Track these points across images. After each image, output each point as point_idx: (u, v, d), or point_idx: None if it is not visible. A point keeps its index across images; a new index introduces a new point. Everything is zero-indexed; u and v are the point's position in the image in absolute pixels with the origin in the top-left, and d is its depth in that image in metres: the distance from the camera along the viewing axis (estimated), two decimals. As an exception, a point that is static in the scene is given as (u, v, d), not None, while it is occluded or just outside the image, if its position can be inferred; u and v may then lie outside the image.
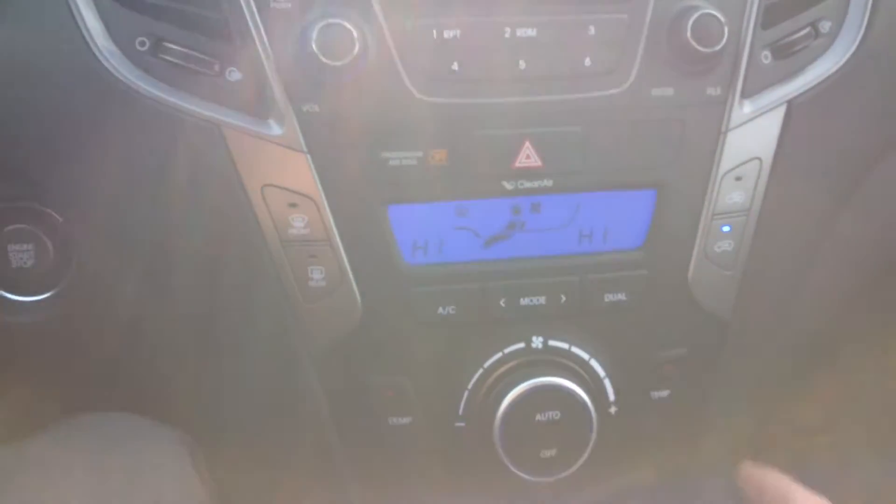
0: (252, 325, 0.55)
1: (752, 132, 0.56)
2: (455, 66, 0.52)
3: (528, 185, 0.54)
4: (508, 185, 0.54)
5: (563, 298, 0.56)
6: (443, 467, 0.54)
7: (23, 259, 0.56)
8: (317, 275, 0.54)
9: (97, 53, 0.51)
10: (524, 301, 0.56)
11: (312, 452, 0.60)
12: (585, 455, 0.56)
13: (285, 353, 0.56)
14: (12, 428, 0.56)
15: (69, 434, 0.54)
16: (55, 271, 0.56)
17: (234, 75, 0.52)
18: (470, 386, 0.56)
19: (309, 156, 0.52)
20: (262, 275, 0.53)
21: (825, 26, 0.57)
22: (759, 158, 0.56)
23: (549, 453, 0.55)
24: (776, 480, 0.51)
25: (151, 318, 0.57)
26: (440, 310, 0.55)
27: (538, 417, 0.54)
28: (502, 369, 0.56)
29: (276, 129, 0.52)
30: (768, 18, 0.56)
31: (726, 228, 0.56)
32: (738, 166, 0.56)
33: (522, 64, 0.53)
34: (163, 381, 0.58)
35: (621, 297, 0.56)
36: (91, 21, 0.51)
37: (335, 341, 0.55)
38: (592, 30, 0.53)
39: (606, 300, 0.56)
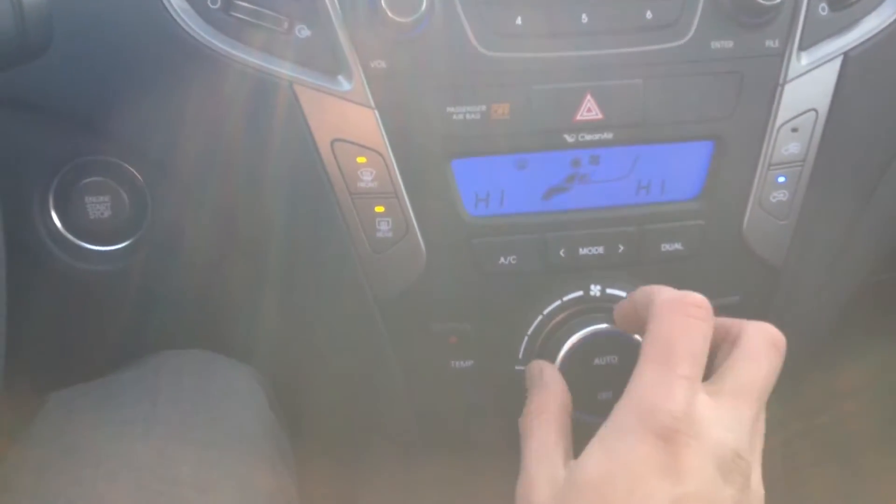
0: (322, 273, 0.58)
1: (809, 84, 0.56)
2: (518, 21, 0.53)
3: (588, 137, 0.55)
4: (569, 138, 0.55)
5: (622, 248, 0.58)
6: (502, 407, 0.56)
7: (100, 210, 0.58)
8: (384, 226, 0.56)
9: (171, 11, 0.53)
10: (583, 251, 0.57)
11: (378, 393, 0.62)
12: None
13: (353, 300, 0.58)
14: (95, 367, 0.59)
15: (148, 369, 0.56)
16: (131, 222, 0.59)
17: (304, 32, 0.53)
18: (529, 332, 0.58)
19: (376, 111, 0.53)
20: (332, 225, 0.55)
21: (882, -22, 0.58)
22: (815, 110, 0.57)
23: (605, 395, 0.57)
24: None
25: (225, 265, 0.59)
26: (501, 259, 0.57)
27: (596, 361, 0.56)
28: (561, 316, 0.58)
29: (345, 85, 0.53)
30: (826, -30, 0.56)
31: (782, 179, 0.58)
32: (794, 118, 0.56)
33: (585, 18, 0.54)
34: (237, 323, 0.61)
35: (678, 246, 0.58)
36: None
37: (401, 289, 0.57)
38: (654, -17, 0.54)
39: (663, 250, 0.58)
